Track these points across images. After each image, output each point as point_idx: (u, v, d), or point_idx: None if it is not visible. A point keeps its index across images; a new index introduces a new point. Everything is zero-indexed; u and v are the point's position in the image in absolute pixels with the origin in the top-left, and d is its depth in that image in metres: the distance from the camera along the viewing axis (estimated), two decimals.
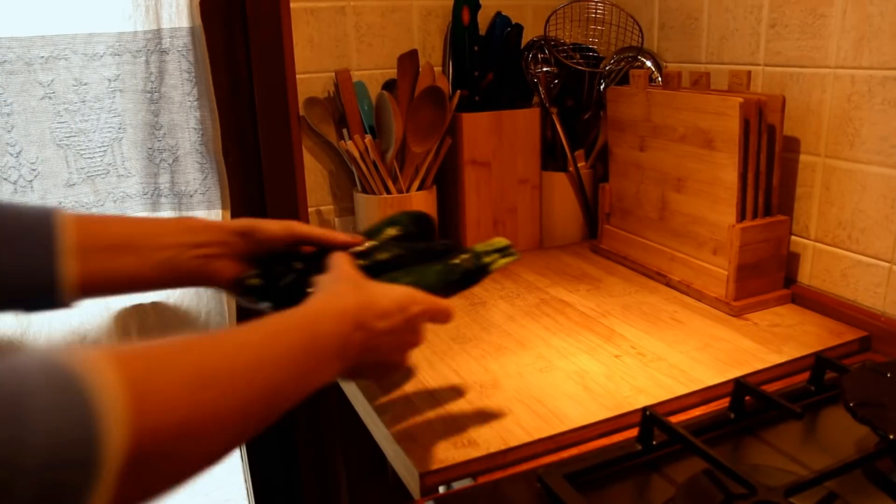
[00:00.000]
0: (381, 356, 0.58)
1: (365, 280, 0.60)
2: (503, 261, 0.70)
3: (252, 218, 0.67)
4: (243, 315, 1.13)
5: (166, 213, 1.07)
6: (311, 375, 0.50)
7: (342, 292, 0.55)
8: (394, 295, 0.58)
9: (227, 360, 0.42)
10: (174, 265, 0.60)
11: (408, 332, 0.59)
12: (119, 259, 0.57)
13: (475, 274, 0.69)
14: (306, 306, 0.53)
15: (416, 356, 0.83)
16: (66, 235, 0.54)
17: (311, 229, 0.66)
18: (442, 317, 0.63)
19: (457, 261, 0.69)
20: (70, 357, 0.32)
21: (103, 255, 0.57)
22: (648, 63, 1.19)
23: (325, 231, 0.67)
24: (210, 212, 1.08)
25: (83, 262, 0.55)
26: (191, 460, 0.38)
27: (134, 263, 0.58)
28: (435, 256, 0.69)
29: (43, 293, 0.54)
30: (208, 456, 0.40)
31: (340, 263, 0.61)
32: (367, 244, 0.67)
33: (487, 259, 0.70)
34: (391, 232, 0.71)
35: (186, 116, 1.03)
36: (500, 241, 0.71)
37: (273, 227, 0.65)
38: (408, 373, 0.79)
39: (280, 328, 0.49)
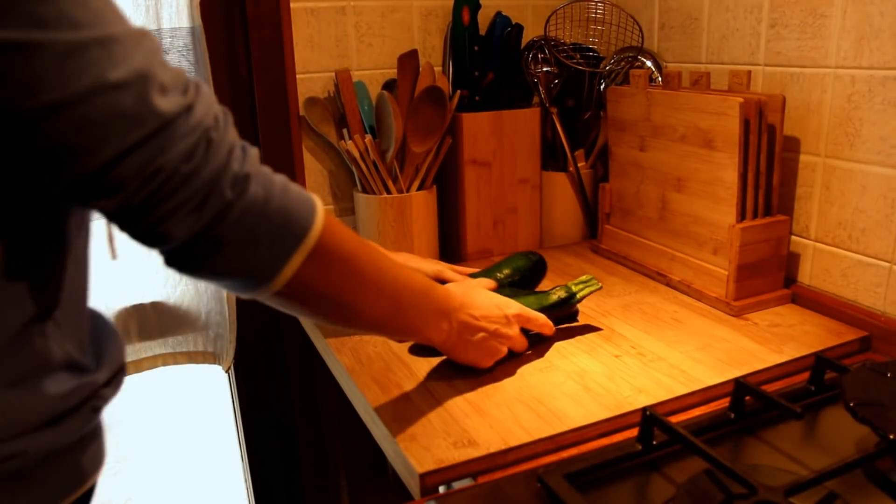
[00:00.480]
0: (481, 340, 0.75)
1: (477, 289, 0.79)
2: (587, 290, 0.88)
3: (411, 254, 0.97)
4: (243, 315, 1.13)
5: None
6: (425, 312, 0.69)
7: (454, 287, 0.76)
8: (494, 297, 0.78)
9: (377, 252, 0.63)
10: None
11: (504, 327, 0.77)
12: None
13: (566, 300, 0.87)
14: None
15: (417, 355, 0.84)
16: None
17: (455, 276, 0.89)
18: (535, 325, 0.81)
19: (551, 291, 0.87)
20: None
21: None
22: (648, 63, 1.19)
23: (464, 278, 0.90)
24: None
25: None
26: (338, 288, 0.58)
27: None
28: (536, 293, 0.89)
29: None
30: (348, 300, 0.59)
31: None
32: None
33: (575, 289, 0.87)
34: (509, 273, 0.94)
35: None
36: (585, 277, 0.89)
37: (427, 267, 0.90)
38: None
39: (410, 269, 0.68)
